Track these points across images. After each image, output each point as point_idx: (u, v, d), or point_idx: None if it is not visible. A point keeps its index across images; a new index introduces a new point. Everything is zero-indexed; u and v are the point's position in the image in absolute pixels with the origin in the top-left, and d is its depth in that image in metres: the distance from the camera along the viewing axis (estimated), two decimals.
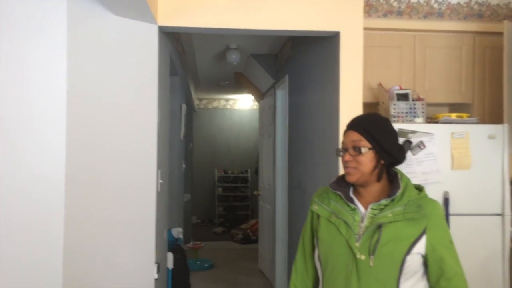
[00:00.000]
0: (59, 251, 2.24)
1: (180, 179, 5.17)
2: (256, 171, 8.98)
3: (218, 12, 2.76)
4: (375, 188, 1.54)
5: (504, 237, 2.79)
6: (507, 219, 2.80)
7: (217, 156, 9.59)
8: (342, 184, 1.59)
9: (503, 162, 2.83)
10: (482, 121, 3.25)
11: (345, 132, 1.57)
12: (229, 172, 9.55)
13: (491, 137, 2.82)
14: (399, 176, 1.54)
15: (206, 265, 5.92)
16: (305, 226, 1.71)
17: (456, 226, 2.60)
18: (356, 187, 1.58)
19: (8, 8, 2.24)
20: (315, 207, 1.63)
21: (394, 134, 1.55)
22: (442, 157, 2.80)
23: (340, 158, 1.60)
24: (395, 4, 3.34)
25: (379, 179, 1.53)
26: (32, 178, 2.23)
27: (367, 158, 1.50)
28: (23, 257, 2.21)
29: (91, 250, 2.40)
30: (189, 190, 7.30)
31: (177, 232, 4.67)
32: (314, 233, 1.65)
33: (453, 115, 2.98)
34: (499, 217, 2.81)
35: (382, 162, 1.52)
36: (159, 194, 2.76)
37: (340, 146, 1.61)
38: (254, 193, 6.51)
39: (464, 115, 3.01)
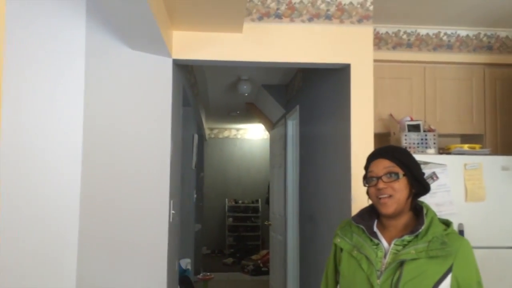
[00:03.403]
0: (72, 280, 2.24)
1: (191, 209, 5.17)
2: (266, 201, 8.93)
3: (230, 46, 2.82)
4: (403, 221, 1.50)
5: None
6: None
7: (227, 186, 9.58)
8: (366, 218, 1.54)
9: None
10: (495, 152, 3.23)
11: (373, 161, 1.54)
12: (240, 202, 9.51)
13: (505, 168, 2.80)
14: (424, 210, 1.49)
15: None
16: (329, 258, 1.67)
17: None
18: (381, 220, 1.54)
19: (27, 38, 2.32)
20: (337, 240, 1.59)
21: (419, 165, 1.55)
22: (455, 189, 2.78)
23: (369, 189, 1.52)
24: (404, 36, 3.39)
25: (410, 208, 1.50)
26: (48, 208, 2.26)
27: (403, 184, 1.47)
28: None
29: (103, 281, 2.40)
30: (200, 220, 7.27)
31: (186, 263, 4.65)
32: (336, 267, 1.61)
33: (466, 146, 2.98)
34: None
35: (413, 190, 1.49)
36: (171, 225, 2.76)
37: (367, 176, 1.54)
38: (265, 223, 6.47)
39: (477, 146, 3.00)
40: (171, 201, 2.76)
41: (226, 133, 9.68)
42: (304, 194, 4.39)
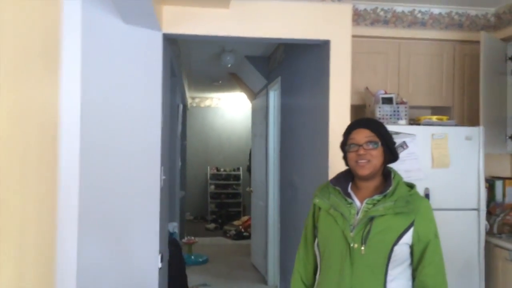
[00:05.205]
0: (73, 241, 2.44)
1: (177, 175, 5.38)
2: (248, 169, 9.18)
3: (216, 21, 2.97)
4: (374, 183, 1.73)
5: (480, 230, 3.05)
6: (482, 213, 3.06)
7: (209, 154, 9.78)
8: (342, 180, 1.77)
9: (479, 162, 3.08)
10: (461, 123, 3.50)
11: (354, 129, 1.74)
12: (221, 169, 9.75)
13: (468, 138, 3.07)
14: (392, 174, 1.73)
15: (201, 259, 6.13)
16: (307, 217, 1.90)
17: (436, 220, 2.80)
18: (355, 182, 1.76)
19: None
20: (316, 200, 1.82)
21: (392, 136, 1.78)
22: (423, 157, 3.04)
23: (349, 154, 1.73)
24: (381, 13, 3.57)
25: (382, 173, 1.74)
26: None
27: (379, 152, 1.70)
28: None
29: (101, 242, 2.62)
30: (183, 187, 7.49)
31: (173, 226, 4.89)
32: (315, 224, 1.84)
33: (434, 118, 3.23)
34: (475, 212, 3.06)
35: (386, 158, 1.73)
36: (162, 189, 2.97)
37: (347, 143, 1.75)
38: (247, 190, 6.73)
39: (444, 117, 3.25)
40: (162, 167, 2.96)
41: (208, 102, 9.81)
42: (284, 162, 4.63)
